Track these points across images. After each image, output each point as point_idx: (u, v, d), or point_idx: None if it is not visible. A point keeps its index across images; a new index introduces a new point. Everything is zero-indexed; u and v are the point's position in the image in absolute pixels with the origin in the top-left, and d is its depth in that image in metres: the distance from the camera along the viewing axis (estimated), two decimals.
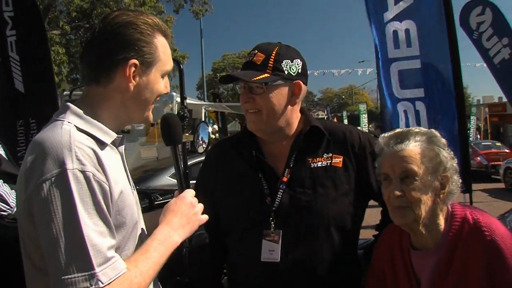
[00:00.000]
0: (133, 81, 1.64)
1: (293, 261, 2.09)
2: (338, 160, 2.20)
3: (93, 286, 1.39)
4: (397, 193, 1.91)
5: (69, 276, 1.38)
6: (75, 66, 22.34)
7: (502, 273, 1.82)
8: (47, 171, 1.42)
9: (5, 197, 2.39)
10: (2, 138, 3.11)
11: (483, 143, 23.13)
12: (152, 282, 1.70)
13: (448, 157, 1.94)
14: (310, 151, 2.22)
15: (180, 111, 3.45)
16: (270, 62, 2.12)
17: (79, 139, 1.50)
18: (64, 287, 1.38)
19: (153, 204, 3.12)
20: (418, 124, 4.96)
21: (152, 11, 23.89)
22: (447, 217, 1.98)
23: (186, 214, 1.77)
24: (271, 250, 2.10)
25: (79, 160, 1.44)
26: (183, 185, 1.88)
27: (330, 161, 2.20)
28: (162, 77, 1.75)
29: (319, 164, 2.19)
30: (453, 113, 4.69)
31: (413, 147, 1.93)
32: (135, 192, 1.83)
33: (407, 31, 4.64)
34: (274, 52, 2.13)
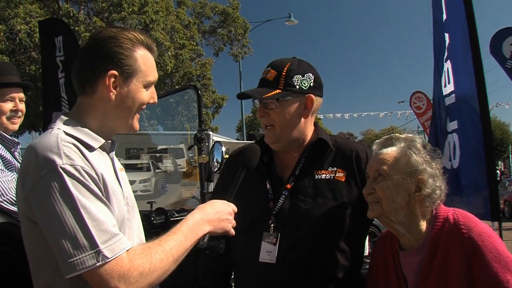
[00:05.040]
0: (113, 91, 1.77)
1: (287, 264, 2.18)
2: (341, 175, 2.28)
3: (100, 262, 1.51)
4: (365, 190, 2.10)
5: (75, 258, 1.51)
6: None
7: (480, 269, 1.88)
8: (41, 170, 1.57)
9: None
10: None
11: None
12: None
13: (420, 161, 2.03)
14: (316, 163, 2.32)
15: (198, 134, 3.62)
16: (281, 78, 2.23)
17: (65, 139, 1.65)
18: (72, 268, 1.51)
19: (169, 219, 3.25)
20: (455, 155, 5.10)
21: (192, 54, 24.54)
22: (430, 219, 2.07)
23: (220, 214, 1.89)
24: (269, 252, 2.20)
25: (67, 156, 1.59)
26: (230, 200, 2.02)
27: (334, 175, 2.28)
28: (146, 87, 1.85)
29: (323, 176, 2.28)
30: (481, 145, 4.78)
31: (390, 151, 2.08)
32: (131, 199, 1.94)
33: (447, 69, 4.94)
34: (285, 69, 2.24)
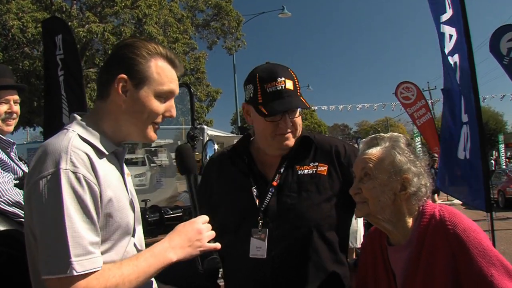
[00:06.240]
0: (122, 95, 1.80)
1: (277, 258, 2.25)
2: (323, 169, 2.37)
3: (67, 274, 1.54)
4: (352, 191, 2.15)
5: (49, 262, 1.56)
6: None
7: (465, 263, 1.93)
8: (45, 169, 1.62)
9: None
10: None
11: None
12: None
13: (404, 160, 2.07)
14: (298, 159, 2.40)
15: (191, 132, 3.67)
16: (298, 86, 2.31)
17: (76, 144, 1.69)
18: (44, 271, 1.57)
19: (163, 216, 3.29)
20: (467, 147, 5.24)
21: (185, 47, 24.47)
22: (417, 215, 2.12)
23: (190, 238, 1.87)
24: (258, 247, 2.27)
25: (72, 162, 1.62)
26: (196, 211, 2.01)
27: (315, 169, 2.37)
28: (158, 97, 1.85)
29: (306, 171, 2.37)
30: (477, 138, 4.94)
31: (375, 151, 2.13)
32: (136, 204, 1.97)
33: (455, 64, 5.14)
34: (295, 76, 2.31)
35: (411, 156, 2.10)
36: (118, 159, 1.93)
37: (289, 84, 2.26)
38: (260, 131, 2.37)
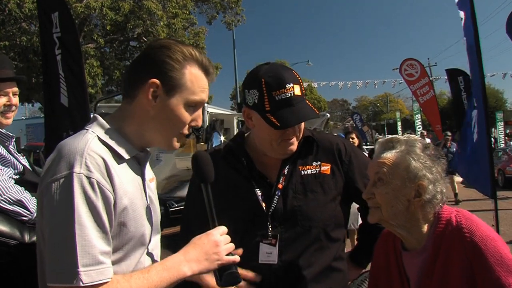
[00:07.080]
0: (152, 100, 1.70)
1: (288, 262, 2.20)
2: (326, 168, 2.33)
3: (73, 284, 1.46)
4: (365, 195, 2.09)
5: (55, 270, 1.49)
6: (109, 78, 22.83)
7: (483, 272, 1.88)
8: (58, 172, 1.53)
9: (25, 203, 2.53)
10: (50, 150, 3.39)
11: None
12: None
13: (419, 167, 1.99)
14: (301, 159, 2.35)
15: None
16: (303, 89, 2.22)
17: (93, 148, 1.59)
18: (50, 278, 1.50)
19: (168, 210, 3.25)
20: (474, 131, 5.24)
21: (185, 23, 24.21)
22: (433, 220, 2.06)
23: (206, 251, 1.75)
24: (269, 253, 2.21)
25: (87, 166, 1.53)
26: (215, 222, 1.86)
27: (319, 169, 2.32)
28: (188, 106, 1.76)
29: (309, 171, 2.32)
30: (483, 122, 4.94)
31: (390, 155, 2.05)
32: (154, 213, 1.86)
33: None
34: (299, 78, 2.21)
35: (427, 162, 2.02)
36: (139, 164, 1.83)
37: (297, 90, 2.16)
38: (265, 136, 2.26)
